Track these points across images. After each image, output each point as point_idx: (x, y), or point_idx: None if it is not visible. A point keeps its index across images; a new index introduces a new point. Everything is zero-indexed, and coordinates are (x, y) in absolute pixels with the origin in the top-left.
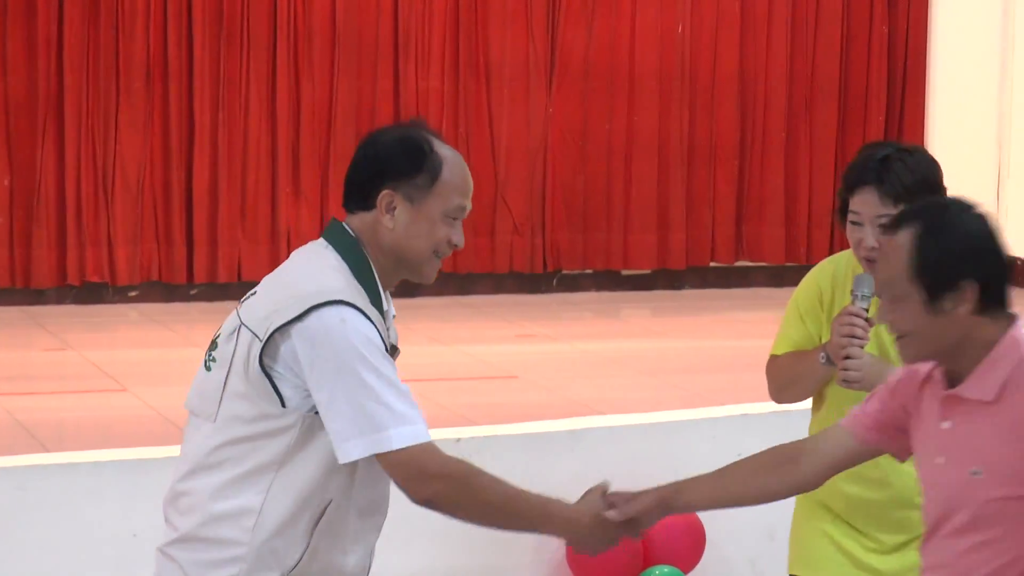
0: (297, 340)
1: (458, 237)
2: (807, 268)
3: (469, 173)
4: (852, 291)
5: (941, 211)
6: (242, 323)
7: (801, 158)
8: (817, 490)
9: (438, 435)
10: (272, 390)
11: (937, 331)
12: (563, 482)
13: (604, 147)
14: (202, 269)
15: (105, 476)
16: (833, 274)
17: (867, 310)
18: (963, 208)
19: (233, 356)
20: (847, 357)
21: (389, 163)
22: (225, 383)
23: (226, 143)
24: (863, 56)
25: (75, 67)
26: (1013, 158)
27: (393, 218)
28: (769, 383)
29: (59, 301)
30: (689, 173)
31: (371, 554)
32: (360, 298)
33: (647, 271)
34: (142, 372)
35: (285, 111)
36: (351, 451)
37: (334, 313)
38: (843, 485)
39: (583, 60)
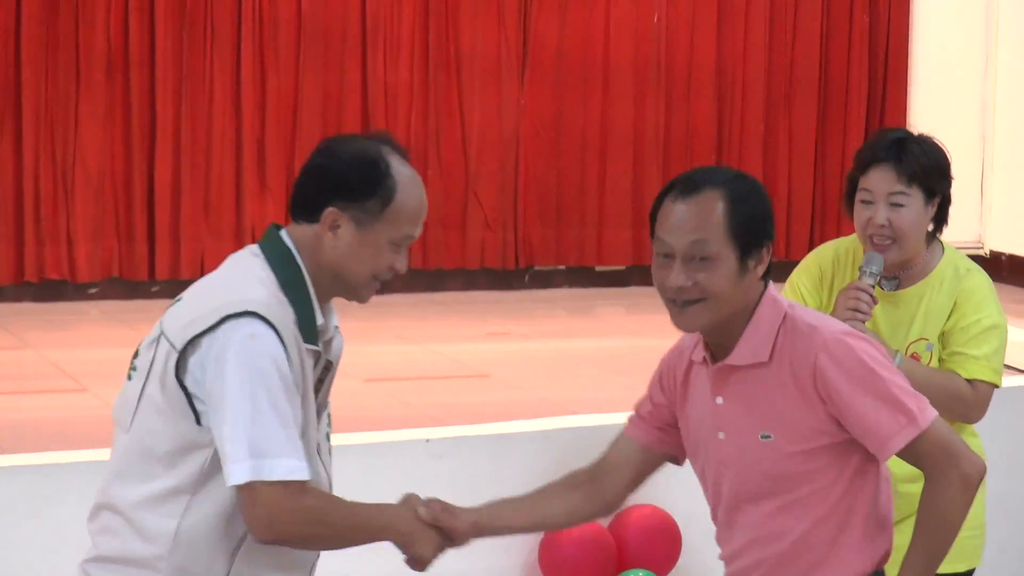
0: (205, 351)
1: (401, 264)
2: (786, 264)
3: (425, 198)
4: (861, 267)
5: (739, 176)
6: (163, 332)
7: (780, 153)
8: None
9: (407, 436)
10: (188, 406)
11: (737, 294)
12: (535, 483)
13: (578, 140)
14: (164, 265)
15: (65, 479)
16: (834, 257)
17: (873, 287)
18: (746, 175)
19: (151, 366)
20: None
21: (341, 180)
22: (141, 394)
23: (189, 136)
24: (843, 48)
25: (33, 58)
26: (997, 152)
27: (336, 237)
28: None
29: (17, 299)
30: (665, 167)
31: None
32: (281, 313)
33: (622, 267)
34: (103, 372)
35: (250, 104)
36: (235, 474)
37: (245, 327)
38: None
39: (556, 51)
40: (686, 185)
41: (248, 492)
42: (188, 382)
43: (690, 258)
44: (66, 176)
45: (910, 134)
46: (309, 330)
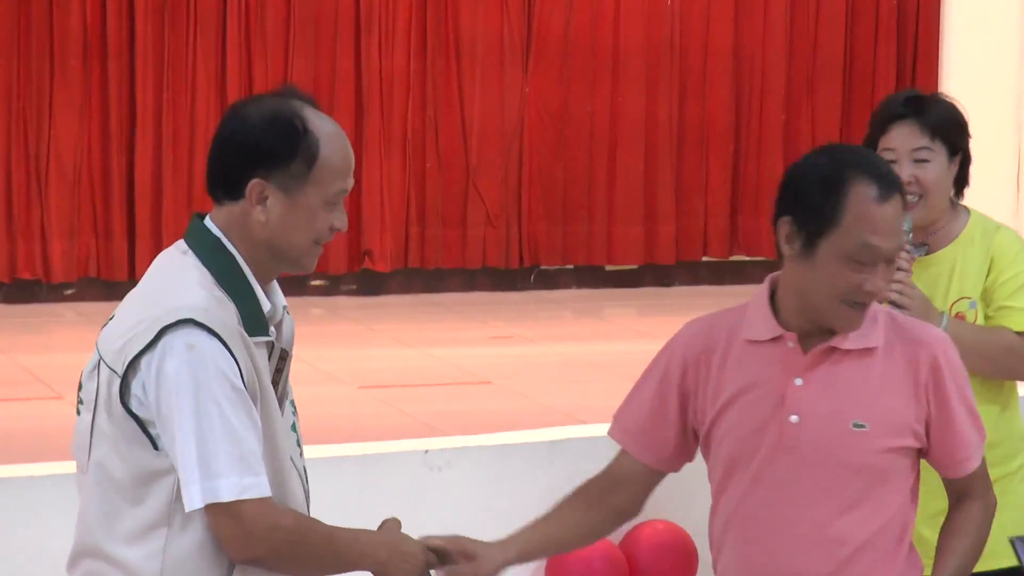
0: (145, 371)
1: (340, 221)
2: None
3: (349, 147)
4: None
5: (879, 157)
6: (100, 357)
7: (801, 143)
8: None
9: (403, 446)
10: (141, 432)
11: None
12: (540, 497)
13: (586, 131)
14: (145, 265)
15: (41, 491)
16: None
17: (907, 244)
18: None
19: (96, 396)
20: (899, 281)
21: (258, 147)
22: (92, 427)
23: (171, 127)
24: (870, 31)
25: (4, 43)
26: None
27: (265, 210)
28: None
29: None
30: (679, 159)
31: None
32: (221, 313)
33: (633, 267)
34: (79, 378)
35: (236, 92)
36: (193, 498)
37: (182, 337)
38: None
39: (562, 36)
40: (887, 184)
41: (212, 514)
42: (135, 407)
43: (890, 261)
44: (40, 169)
45: (922, 92)
46: (255, 321)
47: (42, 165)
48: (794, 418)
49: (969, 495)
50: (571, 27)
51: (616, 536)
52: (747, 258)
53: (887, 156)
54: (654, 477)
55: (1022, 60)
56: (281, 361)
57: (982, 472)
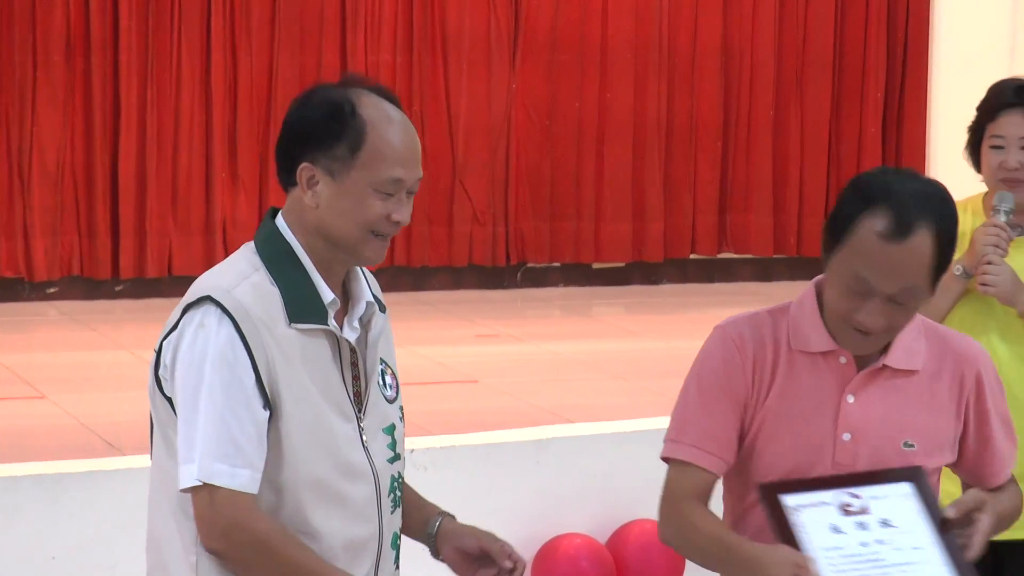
0: (168, 350)
1: (400, 214)
2: (797, 261)
3: (408, 137)
4: (993, 206)
5: (946, 200)
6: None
7: (791, 140)
8: None
9: None
10: (174, 413)
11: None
12: (528, 497)
13: (573, 127)
14: (129, 263)
15: (21, 492)
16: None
17: (1007, 224)
18: (949, 195)
19: (150, 383)
20: (989, 263)
21: (305, 130)
22: (151, 418)
23: (155, 124)
24: (860, 26)
25: None
26: None
27: (316, 194)
28: None
29: None
30: (667, 156)
31: None
32: (249, 296)
33: (621, 264)
34: (62, 377)
35: (221, 88)
36: (182, 478)
37: (198, 317)
38: None
39: (550, 31)
40: (901, 225)
41: (194, 498)
42: (166, 389)
43: (892, 301)
44: (22, 166)
45: None
46: (303, 308)
47: (24, 162)
48: (847, 436)
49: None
50: (559, 22)
51: (603, 535)
52: (736, 256)
53: (995, 143)
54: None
55: (1012, 55)
56: (354, 355)
57: (1011, 478)
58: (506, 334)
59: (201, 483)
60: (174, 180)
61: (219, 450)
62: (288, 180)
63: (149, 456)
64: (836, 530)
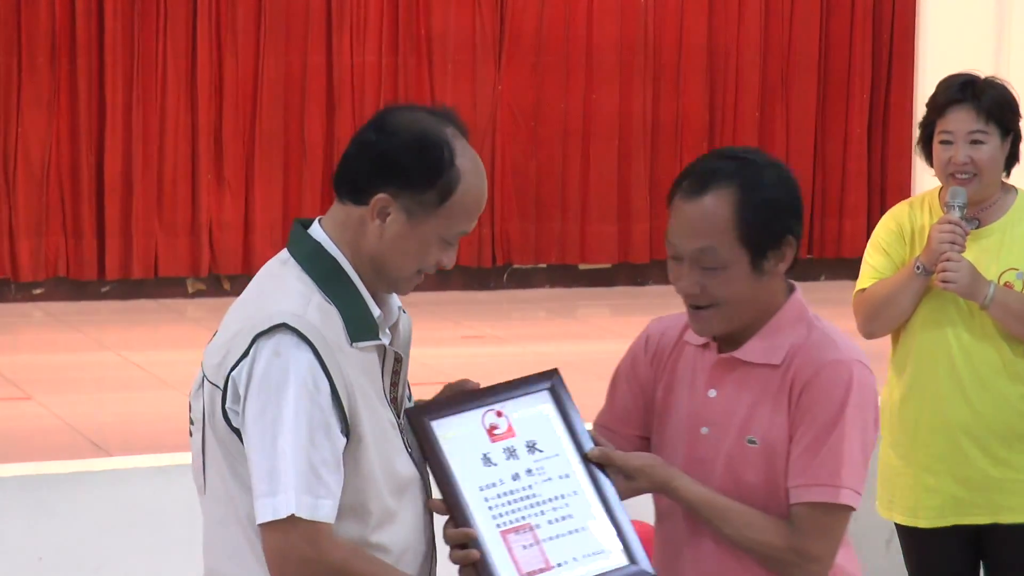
0: (239, 380)
1: (449, 259)
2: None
3: (485, 190)
4: (947, 202)
5: (750, 166)
6: (204, 373)
7: (777, 140)
8: None
9: None
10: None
11: (758, 296)
12: None
13: (559, 128)
14: (115, 264)
15: (7, 493)
16: (909, 210)
17: (961, 219)
18: (767, 161)
19: (204, 414)
20: (947, 260)
21: (397, 164)
22: (203, 449)
23: (141, 124)
24: (845, 27)
25: None
26: None
27: (384, 226)
28: (858, 317)
29: None
30: (653, 157)
31: None
32: (321, 319)
33: (606, 265)
34: (48, 378)
35: (206, 89)
36: (261, 512)
37: (272, 344)
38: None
39: (535, 32)
40: (694, 180)
41: (266, 531)
42: (235, 421)
43: (698, 264)
44: (7, 167)
45: (976, 77)
46: (361, 325)
47: (9, 163)
48: (705, 429)
49: (797, 531)
50: (544, 23)
51: None
52: None
53: (944, 138)
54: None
55: (998, 57)
56: (397, 363)
57: (816, 524)
58: (492, 335)
59: (287, 516)
60: (160, 181)
61: (305, 481)
62: (355, 198)
63: (201, 491)
64: (488, 461)
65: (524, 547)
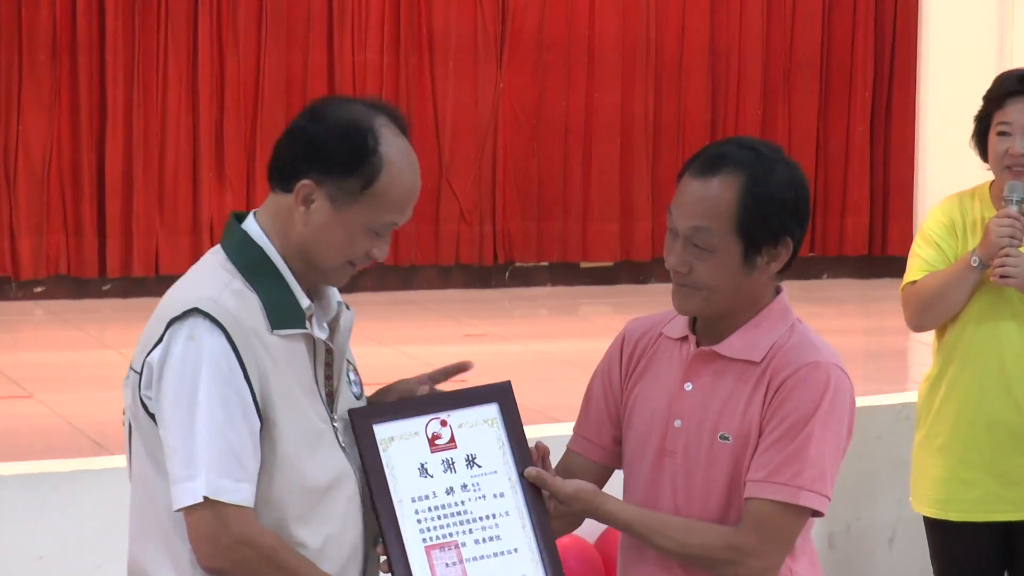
0: (154, 364)
1: (380, 251)
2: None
3: (417, 183)
4: (1004, 196)
5: (764, 160)
6: (131, 364)
7: (779, 138)
8: None
9: None
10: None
11: (741, 289)
12: None
13: (561, 127)
14: (116, 262)
15: (8, 492)
16: (959, 204)
17: (1020, 213)
18: (782, 159)
19: (129, 402)
20: (1006, 255)
21: (320, 149)
22: (129, 439)
23: (142, 123)
24: (847, 26)
25: None
26: None
27: (308, 213)
28: (908, 309)
29: None
30: (655, 155)
31: None
32: (233, 304)
33: (608, 264)
34: (49, 376)
35: (207, 88)
36: (179, 497)
37: (185, 329)
38: None
39: (537, 30)
40: (707, 161)
41: (190, 517)
42: (152, 407)
43: (691, 243)
44: (8, 165)
45: None
46: (283, 313)
47: (10, 161)
48: (678, 423)
49: (743, 526)
50: (546, 21)
51: (591, 535)
52: None
53: (1002, 129)
54: (604, 472)
55: (1000, 54)
56: (329, 356)
57: (767, 523)
58: (493, 334)
59: (204, 500)
60: (161, 179)
61: (222, 465)
62: (282, 185)
63: (128, 478)
64: (424, 472)
65: (447, 565)
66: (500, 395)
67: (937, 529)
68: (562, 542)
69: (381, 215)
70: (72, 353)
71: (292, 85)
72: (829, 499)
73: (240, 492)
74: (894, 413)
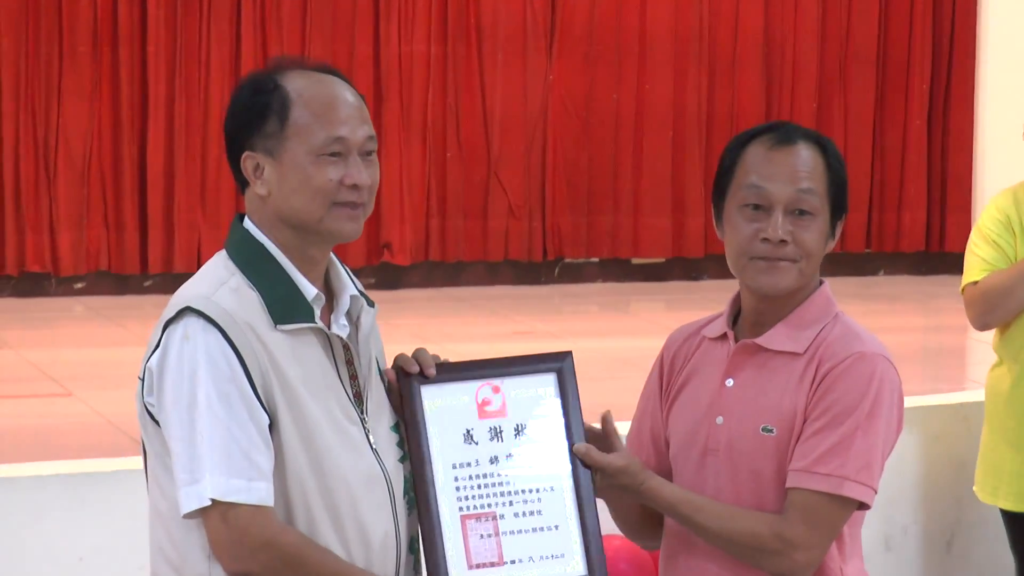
0: (154, 369)
1: (356, 176)
2: (840, 256)
3: (334, 93)
4: None
5: (827, 141)
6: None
7: (834, 132)
8: None
9: None
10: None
11: (817, 263)
12: None
13: (611, 119)
14: (157, 257)
15: (48, 492)
16: (1014, 199)
17: None
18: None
19: (138, 412)
20: None
21: (237, 118)
22: (143, 443)
23: (184, 115)
24: (905, 17)
25: (12, 28)
26: None
27: (264, 182)
28: (972, 310)
29: None
30: (708, 149)
31: None
32: (229, 301)
33: (660, 260)
34: (89, 374)
35: None
36: (185, 502)
37: (180, 330)
38: None
39: (587, 20)
40: (781, 133)
41: (203, 516)
42: (155, 413)
43: (791, 211)
44: (48, 159)
45: None
46: (286, 307)
47: (50, 154)
48: (720, 419)
49: (789, 516)
50: (596, 11)
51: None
52: None
53: None
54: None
55: None
56: (347, 352)
57: (810, 513)
58: (543, 330)
59: (212, 502)
60: (203, 172)
61: (231, 465)
62: (240, 179)
63: (147, 490)
64: (469, 438)
65: (481, 536)
66: (560, 365)
67: (1017, 522)
68: (611, 544)
69: (316, 134)
70: (113, 350)
71: None
72: (875, 491)
73: (254, 492)
74: (952, 412)
